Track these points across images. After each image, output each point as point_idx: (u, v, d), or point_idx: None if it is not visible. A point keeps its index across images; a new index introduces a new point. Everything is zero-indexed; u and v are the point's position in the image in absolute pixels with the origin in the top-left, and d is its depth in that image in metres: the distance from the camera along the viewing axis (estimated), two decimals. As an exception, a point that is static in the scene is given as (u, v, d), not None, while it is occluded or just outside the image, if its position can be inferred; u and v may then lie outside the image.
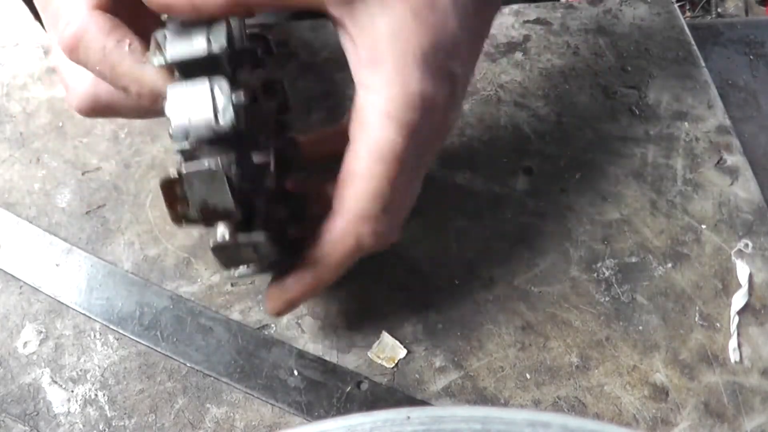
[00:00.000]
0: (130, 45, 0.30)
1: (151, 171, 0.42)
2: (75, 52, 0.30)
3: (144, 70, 0.30)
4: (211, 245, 0.28)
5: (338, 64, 0.46)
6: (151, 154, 0.42)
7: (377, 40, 0.28)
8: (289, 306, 0.34)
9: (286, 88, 0.35)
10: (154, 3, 0.29)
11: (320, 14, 0.30)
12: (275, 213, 0.32)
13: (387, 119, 0.29)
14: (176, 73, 0.29)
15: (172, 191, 0.28)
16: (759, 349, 0.37)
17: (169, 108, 0.28)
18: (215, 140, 0.28)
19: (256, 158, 0.30)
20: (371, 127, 0.29)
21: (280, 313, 0.34)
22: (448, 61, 0.30)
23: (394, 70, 0.28)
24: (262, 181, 0.31)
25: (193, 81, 0.28)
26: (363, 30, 0.29)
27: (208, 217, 0.28)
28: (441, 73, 0.30)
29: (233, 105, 0.27)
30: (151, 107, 0.31)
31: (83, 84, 0.32)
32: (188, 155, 0.28)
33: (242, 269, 0.32)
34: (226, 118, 0.27)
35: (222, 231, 0.28)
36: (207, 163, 0.27)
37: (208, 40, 0.27)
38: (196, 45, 0.27)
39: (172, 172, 0.27)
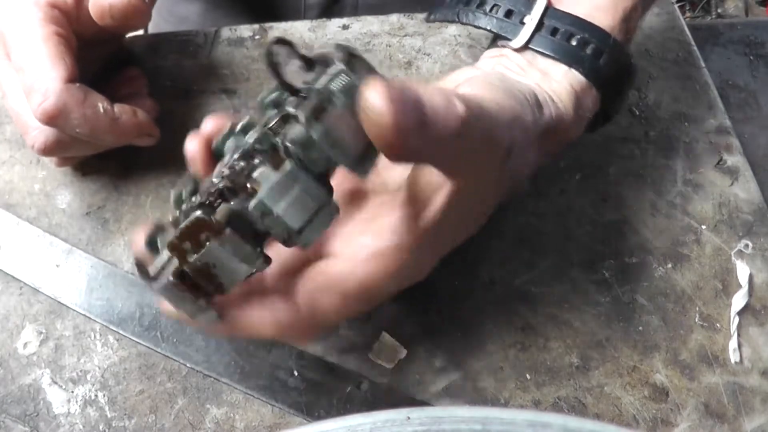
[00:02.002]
0: (104, 108, 0.36)
1: (151, 172, 0.42)
2: (54, 121, 0.34)
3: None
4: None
5: (338, 64, 0.46)
6: (152, 155, 0.42)
7: None
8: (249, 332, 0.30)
9: None
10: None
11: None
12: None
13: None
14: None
15: (199, 231, 0.26)
16: (759, 349, 0.37)
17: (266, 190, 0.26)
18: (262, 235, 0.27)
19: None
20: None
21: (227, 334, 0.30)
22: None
23: None
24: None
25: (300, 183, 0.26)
26: None
27: (198, 277, 0.26)
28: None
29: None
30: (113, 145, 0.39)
31: (49, 130, 0.36)
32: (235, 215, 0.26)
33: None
34: (307, 239, 0.26)
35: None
36: (248, 247, 0.26)
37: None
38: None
39: (217, 218, 0.26)
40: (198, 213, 0.26)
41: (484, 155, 0.28)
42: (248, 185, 0.26)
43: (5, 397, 0.35)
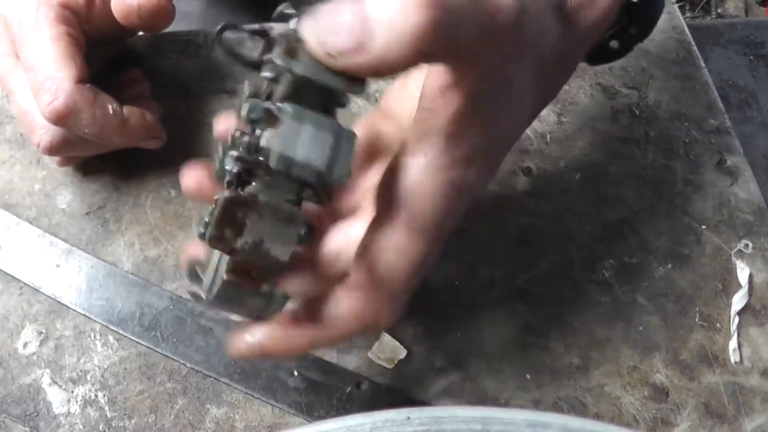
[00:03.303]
0: (113, 110, 0.36)
1: (151, 172, 0.42)
2: (63, 120, 0.34)
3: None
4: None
5: (338, 64, 0.46)
6: (152, 155, 0.42)
7: None
8: (261, 354, 0.28)
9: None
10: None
11: None
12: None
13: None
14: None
15: (233, 212, 0.25)
16: (759, 349, 0.37)
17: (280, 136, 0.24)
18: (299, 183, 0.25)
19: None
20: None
21: (245, 356, 0.29)
22: None
23: None
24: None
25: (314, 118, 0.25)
26: None
27: (252, 259, 0.25)
28: None
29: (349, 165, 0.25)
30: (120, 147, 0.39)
31: (55, 130, 0.36)
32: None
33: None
34: (340, 173, 0.24)
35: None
36: (293, 209, 0.25)
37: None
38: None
39: (248, 192, 0.25)
40: (225, 194, 0.25)
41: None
42: (260, 158, 0.25)
43: (5, 397, 0.35)
